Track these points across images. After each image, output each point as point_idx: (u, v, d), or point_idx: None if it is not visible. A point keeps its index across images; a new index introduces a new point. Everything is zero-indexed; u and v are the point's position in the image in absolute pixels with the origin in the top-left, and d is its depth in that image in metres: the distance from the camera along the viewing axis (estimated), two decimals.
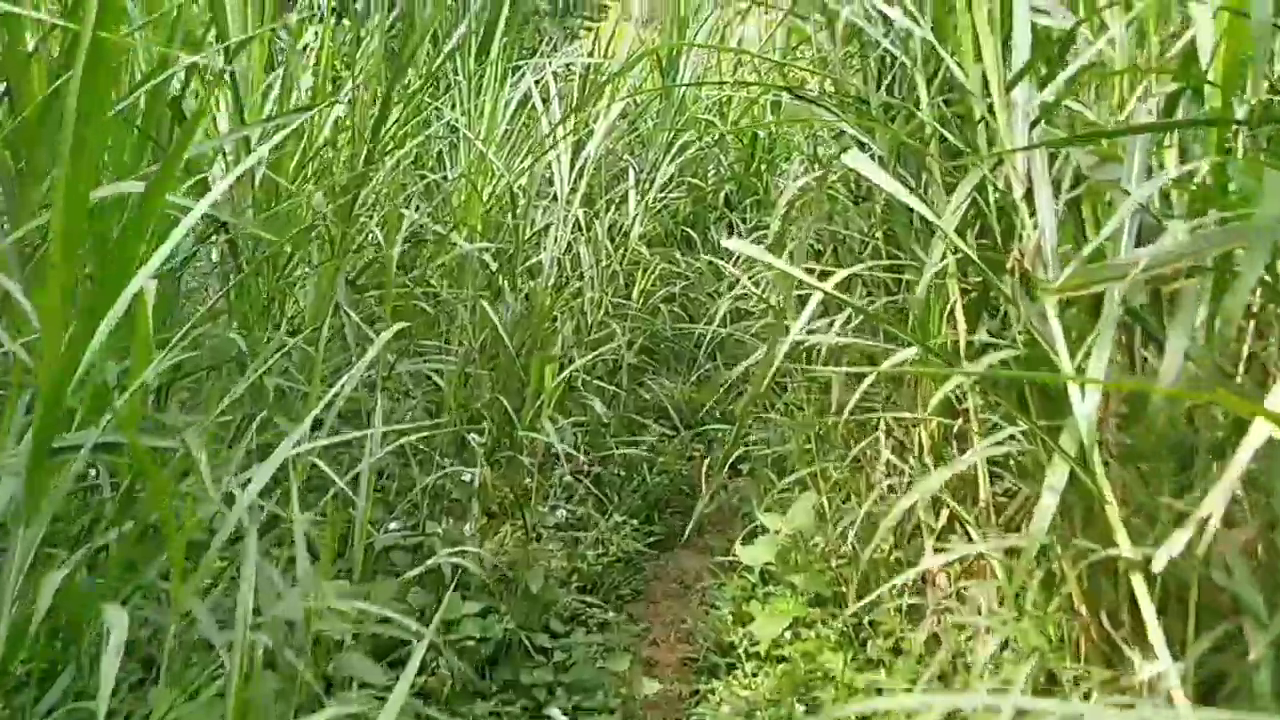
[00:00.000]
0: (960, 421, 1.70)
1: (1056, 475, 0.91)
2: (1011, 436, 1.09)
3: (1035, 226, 1.00)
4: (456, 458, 2.24)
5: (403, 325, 1.89)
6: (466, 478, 2.12)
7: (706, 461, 3.99)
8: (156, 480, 1.06)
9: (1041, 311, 0.96)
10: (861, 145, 3.09)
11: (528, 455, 2.32)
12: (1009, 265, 1.00)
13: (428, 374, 2.22)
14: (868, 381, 1.45)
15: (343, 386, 1.57)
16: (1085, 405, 0.86)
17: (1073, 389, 0.90)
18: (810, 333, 2.28)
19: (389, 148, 2.47)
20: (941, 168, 1.49)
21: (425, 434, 2.20)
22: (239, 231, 2.34)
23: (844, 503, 2.17)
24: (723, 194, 4.73)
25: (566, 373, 2.50)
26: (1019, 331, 1.05)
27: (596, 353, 2.73)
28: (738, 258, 3.02)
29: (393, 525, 1.99)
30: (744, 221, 4.50)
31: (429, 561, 1.65)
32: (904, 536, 1.94)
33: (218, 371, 2.06)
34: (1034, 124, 1.06)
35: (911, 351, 1.46)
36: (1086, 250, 1.00)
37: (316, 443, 1.52)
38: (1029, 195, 1.02)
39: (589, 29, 5.96)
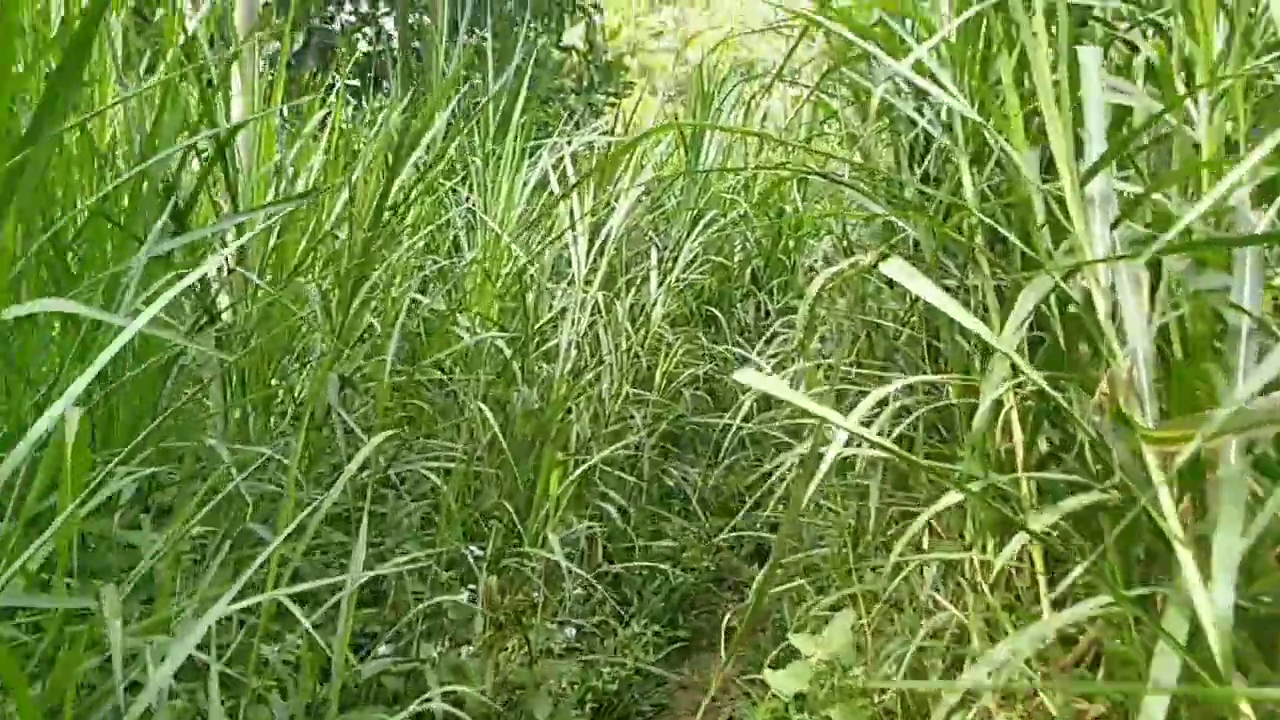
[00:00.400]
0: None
1: (1165, 668, 0.71)
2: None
3: (1124, 351, 0.83)
4: (457, 569, 2.06)
5: (389, 434, 1.72)
6: (465, 596, 1.93)
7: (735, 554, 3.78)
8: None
9: (1137, 456, 0.77)
10: (890, 228, 2.94)
11: (535, 563, 2.13)
12: (1096, 400, 0.83)
13: (426, 474, 2.05)
14: (914, 531, 1.25)
15: (321, 504, 1.40)
16: (1218, 601, 0.66)
17: (1185, 560, 0.71)
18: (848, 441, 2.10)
19: (393, 233, 2.35)
20: (990, 262, 1.32)
21: (424, 543, 2.02)
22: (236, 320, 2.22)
23: (886, 621, 1.95)
24: (748, 271, 4.59)
25: (578, 473, 2.32)
26: (1111, 480, 0.87)
27: (614, 447, 2.55)
28: (766, 337, 2.85)
29: (383, 649, 1.81)
30: (771, 299, 4.34)
31: (417, 701, 1.46)
32: (956, 667, 1.72)
33: (200, 478, 1.91)
34: (1114, 225, 0.89)
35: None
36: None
37: (290, 567, 1.34)
38: (1112, 312, 0.85)
39: (613, 105, 5.93)
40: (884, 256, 0.88)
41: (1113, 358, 0.83)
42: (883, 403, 2.52)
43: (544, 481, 2.14)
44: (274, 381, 2.23)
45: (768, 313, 4.21)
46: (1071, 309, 1.06)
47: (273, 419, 2.41)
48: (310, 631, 1.26)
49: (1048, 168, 1.08)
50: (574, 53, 6.51)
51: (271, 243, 2.45)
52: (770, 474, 3.41)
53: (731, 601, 3.45)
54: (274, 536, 1.60)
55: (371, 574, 1.48)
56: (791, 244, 4.44)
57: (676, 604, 3.17)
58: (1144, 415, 0.81)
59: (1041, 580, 1.39)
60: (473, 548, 1.94)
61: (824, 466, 0.99)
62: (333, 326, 2.19)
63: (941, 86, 1.33)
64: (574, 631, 2.11)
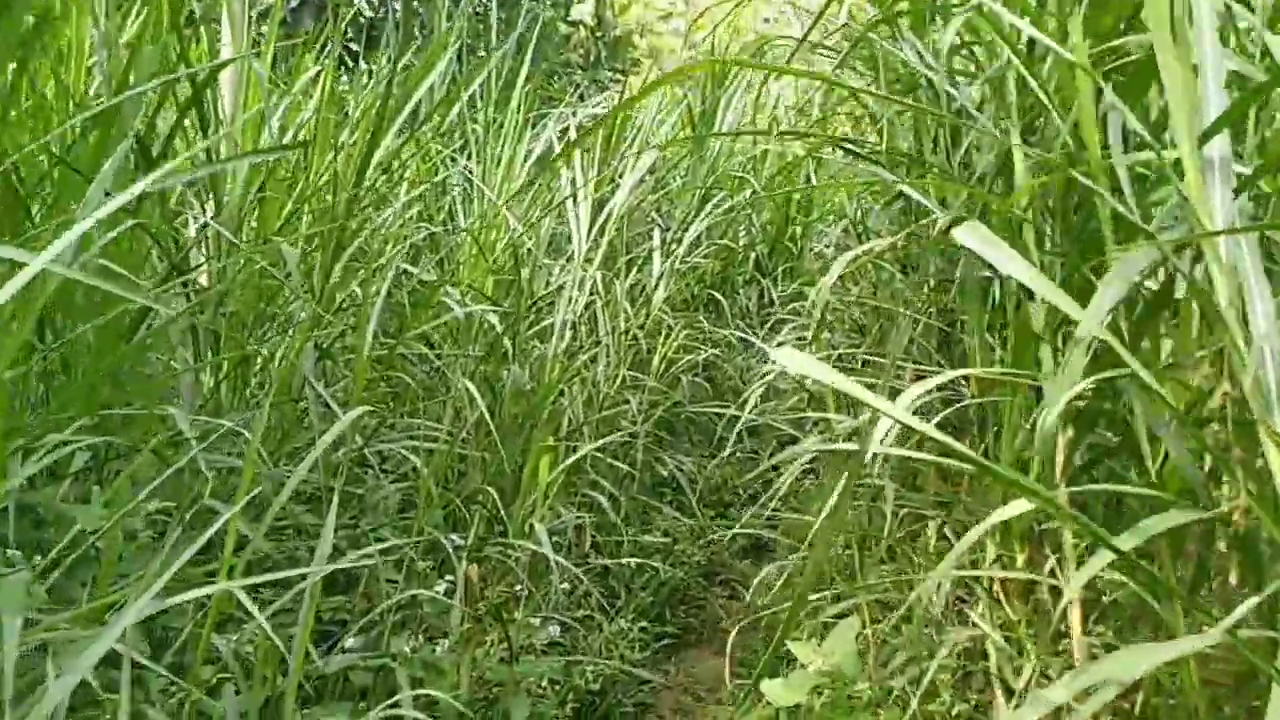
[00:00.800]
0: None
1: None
2: None
3: (1248, 344, 0.70)
4: (436, 555, 1.93)
5: (365, 410, 1.58)
6: (442, 588, 1.80)
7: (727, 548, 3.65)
8: None
9: (1267, 469, 0.65)
10: (906, 214, 2.80)
11: (519, 553, 2.00)
12: (1220, 403, 0.70)
13: (406, 454, 1.92)
14: (949, 568, 1.12)
15: (288, 481, 1.27)
16: None
17: None
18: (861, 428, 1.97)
19: (382, 196, 2.21)
20: (1052, 244, 1.18)
21: (402, 527, 1.89)
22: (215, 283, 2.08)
23: (893, 631, 1.82)
24: (753, 257, 4.45)
25: (570, 460, 2.18)
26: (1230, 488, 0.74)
27: (609, 437, 2.42)
28: (772, 325, 2.71)
29: (351, 641, 1.67)
30: (775, 285, 4.20)
31: (383, 706, 1.33)
32: (969, 686, 1.60)
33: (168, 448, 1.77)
34: (1236, 193, 0.75)
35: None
36: None
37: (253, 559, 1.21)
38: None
39: (619, 80, 5.78)
40: (958, 221, 0.75)
41: (1236, 351, 0.70)
42: (896, 396, 2.40)
43: (533, 467, 2.01)
44: (249, 348, 2.09)
45: (771, 300, 4.07)
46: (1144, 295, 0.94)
47: (248, 389, 2.27)
48: (263, 625, 1.12)
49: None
50: (581, 27, 6.34)
51: (252, 200, 2.30)
52: (772, 468, 3.28)
53: (722, 598, 3.33)
54: (234, 506, 1.47)
55: (336, 566, 1.34)
56: (799, 230, 4.30)
57: (665, 598, 3.05)
58: (1274, 419, 0.68)
59: (1076, 609, 1.26)
60: (453, 536, 1.81)
61: (868, 458, 0.85)
62: (313, 292, 2.04)
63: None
64: (557, 629, 1.98)
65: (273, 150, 1.92)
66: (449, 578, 1.82)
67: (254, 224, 2.42)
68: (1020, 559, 1.36)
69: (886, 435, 0.89)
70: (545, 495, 2.05)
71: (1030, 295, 1.20)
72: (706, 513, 3.57)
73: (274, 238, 1.93)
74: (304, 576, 1.47)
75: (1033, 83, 1.12)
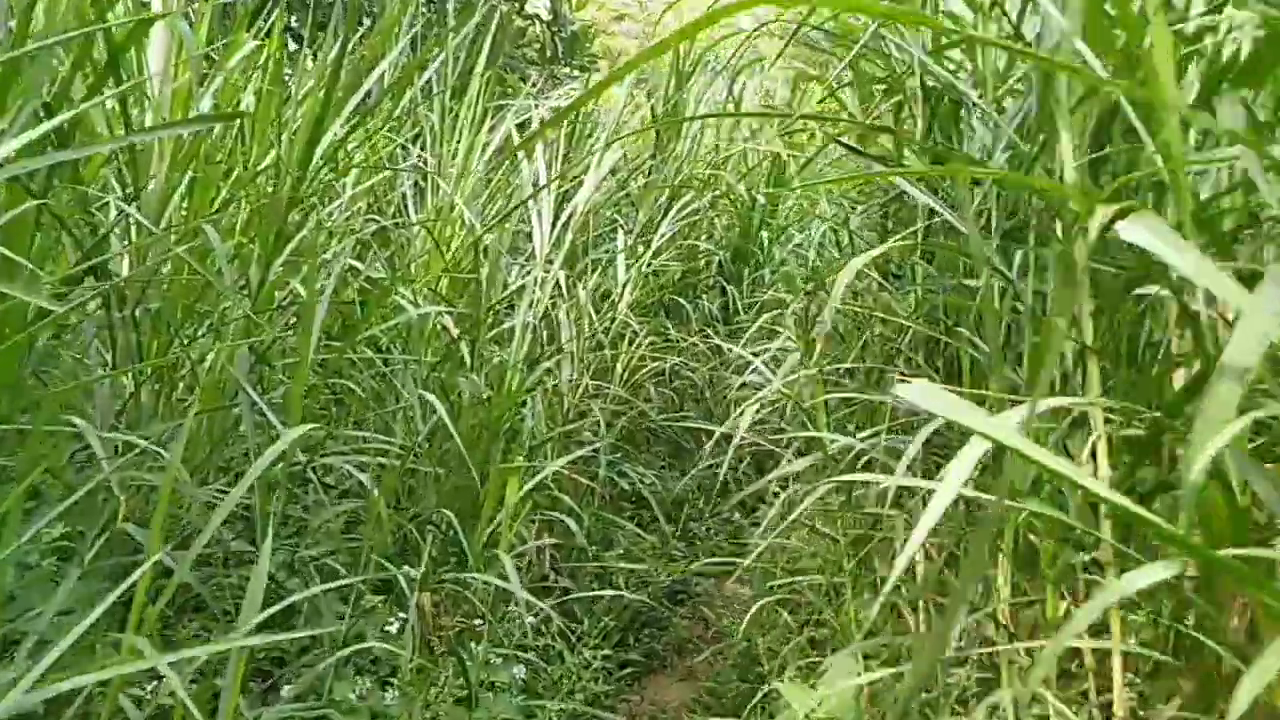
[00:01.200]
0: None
1: None
2: None
3: None
4: (386, 586, 1.72)
5: (308, 428, 1.38)
6: (393, 626, 1.60)
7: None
8: None
9: None
10: (886, 217, 2.67)
11: (479, 582, 1.80)
12: None
13: (353, 470, 1.71)
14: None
15: (223, 504, 1.06)
16: None
17: None
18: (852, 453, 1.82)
19: (327, 185, 2.00)
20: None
21: (348, 550, 1.68)
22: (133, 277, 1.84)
23: (893, 670, 1.67)
24: (716, 261, 4.30)
25: (534, 481, 1.99)
26: None
27: (573, 455, 2.23)
28: (750, 335, 2.56)
29: (288, 690, 1.46)
30: (740, 292, 4.06)
31: None
32: None
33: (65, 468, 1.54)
34: None
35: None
36: None
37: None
38: None
39: (576, 77, 5.59)
40: (1126, 212, 0.60)
41: None
42: (876, 415, 2.26)
43: (495, 488, 1.82)
44: (176, 352, 1.86)
45: (737, 308, 3.92)
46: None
47: (174, 395, 2.03)
48: (179, 690, 0.92)
49: None
50: (537, 21, 6.14)
51: (183, 189, 2.07)
52: (726, 479, 3.12)
53: (686, 619, 3.16)
54: (150, 541, 1.26)
55: (267, 613, 1.14)
56: (764, 234, 4.16)
57: (628, 622, 2.87)
58: None
59: (1118, 660, 1.12)
60: (407, 569, 1.61)
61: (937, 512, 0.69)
62: (249, 288, 1.82)
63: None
64: (521, 670, 1.79)
65: (205, 119, 1.70)
66: (401, 615, 1.62)
67: (184, 212, 2.18)
68: (1050, 594, 1.22)
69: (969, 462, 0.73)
70: (512, 523, 1.85)
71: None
72: (670, 529, 3.41)
73: (204, 225, 1.71)
74: (238, 594, 1.26)
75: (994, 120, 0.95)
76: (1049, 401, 0.86)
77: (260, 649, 1.64)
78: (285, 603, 1.24)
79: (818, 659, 1.93)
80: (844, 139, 2.09)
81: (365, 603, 1.61)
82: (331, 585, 1.40)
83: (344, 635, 1.52)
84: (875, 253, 1.53)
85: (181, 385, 2.08)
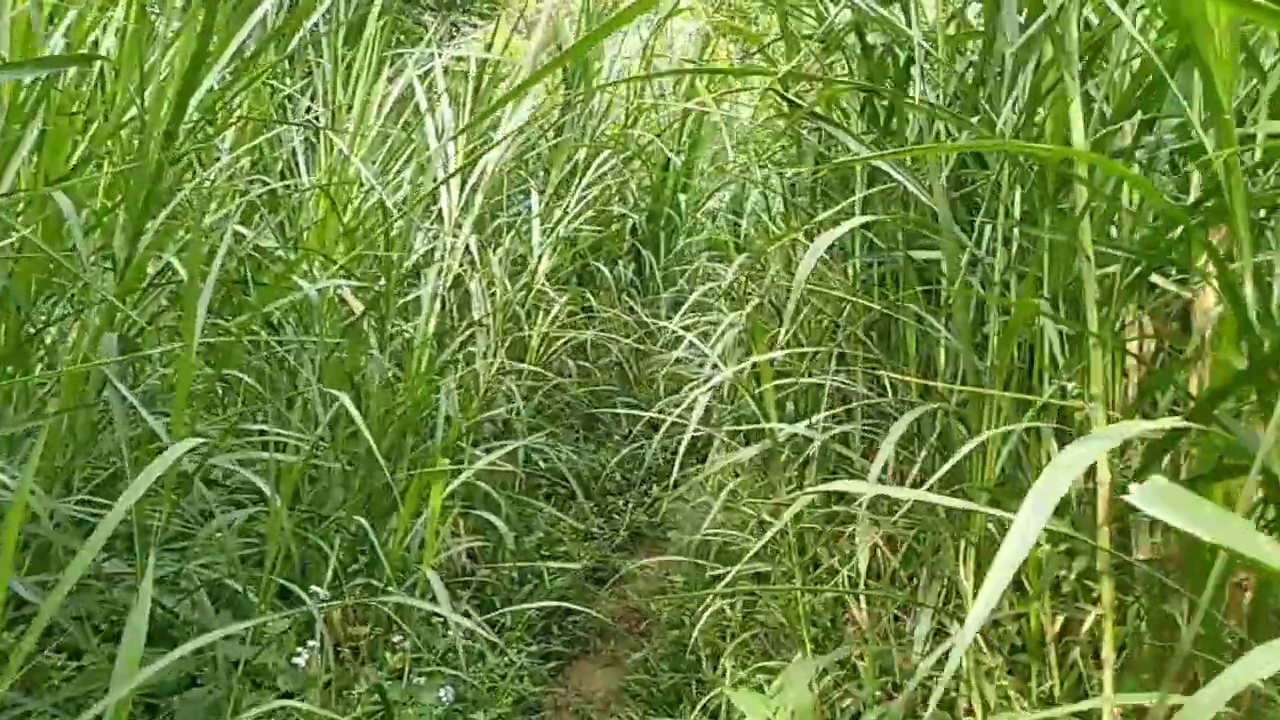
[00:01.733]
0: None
1: None
2: None
3: None
4: (290, 601, 1.52)
5: (196, 442, 1.16)
6: (300, 659, 1.40)
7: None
8: None
9: None
10: (829, 185, 2.56)
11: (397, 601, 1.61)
12: None
13: (249, 475, 1.49)
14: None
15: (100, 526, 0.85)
16: None
17: None
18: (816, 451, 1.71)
19: (206, 139, 1.74)
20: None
21: (245, 553, 1.48)
22: None
23: (854, 672, 1.58)
24: (629, 224, 4.13)
25: (458, 481, 1.80)
26: None
27: (496, 454, 2.04)
28: (687, 307, 2.42)
29: None
30: (656, 257, 3.90)
31: None
32: None
33: None
34: None
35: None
36: None
37: None
38: None
39: (475, 25, 5.27)
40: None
41: None
42: (819, 394, 2.16)
43: (414, 495, 1.62)
44: (27, 339, 1.58)
45: (653, 273, 3.77)
46: None
47: (29, 386, 1.75)
48: None
49: None
50: None
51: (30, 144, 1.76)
52: (644, 457, 2.99)
53: (609, 599, 3.04)
54: None
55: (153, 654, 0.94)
56: (681, 196, 4.00)
57: (550, 610, 2.73)
58: None
59: (1109, 671, 1.04)
60: (315, 589, 1.41)
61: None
62: (113, 261, 1.56)
63: None
64: (450, 693, 1.62)
65: (54, 61, 1.42)
66: (311, 642, 1.42)
67: (33, 170, 1.88)
68: (1047, 602, 1.13)
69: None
70: (437, 532, 1.66)
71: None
72: (590, 507, 3.27)
73: (55, 189, 1.43)
74: (122, 610, 1.05)
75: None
76: (1131, 428, 0.74)
77: (148, 683, 1.42)
78: (169, 658, 1.04)
79: (763, 655, 1.83)
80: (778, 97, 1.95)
81: (267, 631, 1.40)
82: (235, 630, 1.20)
83: (243, 664, 1.32)
84: (841, 230, 1.40)
85: (38, 369, 1.80)
